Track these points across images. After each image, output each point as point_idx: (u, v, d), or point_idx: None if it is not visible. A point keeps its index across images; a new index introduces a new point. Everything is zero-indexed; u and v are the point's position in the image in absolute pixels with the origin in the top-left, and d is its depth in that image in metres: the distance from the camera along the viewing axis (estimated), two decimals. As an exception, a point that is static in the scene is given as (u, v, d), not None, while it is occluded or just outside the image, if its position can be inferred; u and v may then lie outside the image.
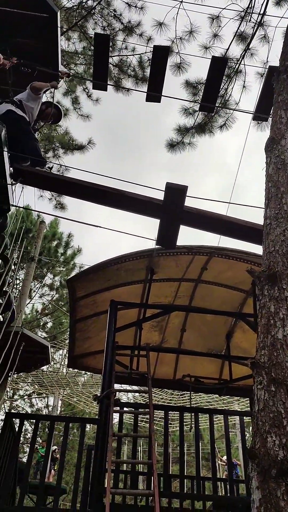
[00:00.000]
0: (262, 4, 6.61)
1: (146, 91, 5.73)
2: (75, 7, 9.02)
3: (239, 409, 15.60)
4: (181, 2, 6.77)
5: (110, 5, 8.80)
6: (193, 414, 5.62)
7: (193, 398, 16.70)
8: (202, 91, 5.99)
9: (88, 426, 18.52)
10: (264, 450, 2.06)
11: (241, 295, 6.57)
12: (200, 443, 5.80)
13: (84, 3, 8.87)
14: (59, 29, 5.24)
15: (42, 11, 5.18)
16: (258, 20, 6.72)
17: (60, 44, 6.09)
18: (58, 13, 5.22)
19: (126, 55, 9.37)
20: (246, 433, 6.96)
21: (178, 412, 5.69)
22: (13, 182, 4.24)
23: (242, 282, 6.24)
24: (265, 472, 2.01)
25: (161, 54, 5.29)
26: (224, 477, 13.17)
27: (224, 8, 6.87)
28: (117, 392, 5.08)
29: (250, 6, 6.72)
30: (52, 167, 5.13)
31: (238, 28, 6.90)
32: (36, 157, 4.88)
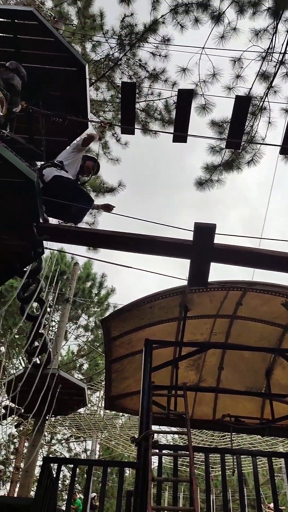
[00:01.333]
0: (283, 44, 6.80)
1: (172, 132, 5.89)
2: (102, 59, 9.55)
3: (283, 451, 14.82)
4: (203, 48, 7.05)
5: (136, 55, 9.26)
6: (235, 456, 5.38)
7: (235, 440, 16.02)
8: (228, 129, 6.12)
9: (127, 470, 18.01)
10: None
11: (279, 330, 6.40)
12: (244, 489, 5.52)
13: (111, 56, 9.37)
14: (87, 81, 5.52)
15: (71, 65, 5.51)
16: (279, 59, 6.89)
17: (89, 94, 6.42)
18: (87, 66, 5.52)
19: (153, 100, 9.75)
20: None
21: (219, 455, 5.47)
22: (40, 237, 4.27)
23: (279, 317, 6.09)
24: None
25: (185, 97, 5.47)
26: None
27: (245, 50, 7.11)
28: (155, 434, 4.96)
29: (270, 47, 6.92)
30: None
31: (260, 68, 7.09)
32: (78, 214, 4.98)
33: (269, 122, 7.45)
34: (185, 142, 5.81)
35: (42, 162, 5.35)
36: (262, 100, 7.26)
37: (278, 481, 16.12)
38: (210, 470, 16.66)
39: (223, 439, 16.44)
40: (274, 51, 6.90)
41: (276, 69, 6.96)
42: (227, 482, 5.25)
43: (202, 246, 4.18)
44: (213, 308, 6.17)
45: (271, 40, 6.91)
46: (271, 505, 14.36)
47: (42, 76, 5.50)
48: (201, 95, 7.53)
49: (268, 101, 7.31)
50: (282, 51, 6.74)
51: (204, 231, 4.13)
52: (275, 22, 6.85)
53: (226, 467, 5.20)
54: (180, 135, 5.70)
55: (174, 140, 5.88)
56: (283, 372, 6.67)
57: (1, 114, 4.52)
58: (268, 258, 4.41)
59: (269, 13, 6.93)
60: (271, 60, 6.97)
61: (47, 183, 4.90)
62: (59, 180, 4.95)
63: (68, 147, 5.63)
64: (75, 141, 5.55)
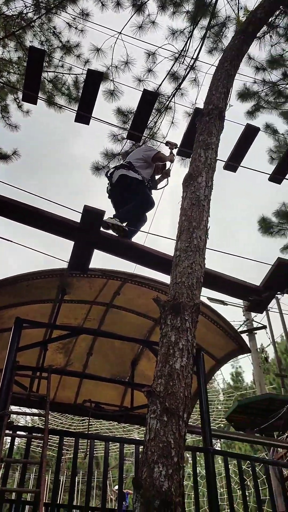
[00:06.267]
0: (196, 50, 7.03)
1: (76, 111, 5.75)
2: (14, 16, 8.91)
3: (138, 438, 15.57)
4: (120, 33, 6.97)
5: (51, 21, 8.82)
6: (89, 441, 5.48)
7: (94, 425, 16.38)
8: (132, 120, 6.15)
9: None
10: (150, 480, 2.05)
11: (150, 323, 6.65)
12: (95, 472, 5.64)
13: (24, 15, 8.79)
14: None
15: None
16: (190, 64, 7.11)
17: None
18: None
19: (62, 73, 9.38)
20: (141, 462, 6.92)
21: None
22: None
23: (152, 310, 6.31)
24: (149, 503, 2.00)
25: (94, 78, 5.36)
26: (114, 507, 12.95)
27: (160, 47, 7.20)
28: (14, 415, 4.83)
29: (184, 50, 7.10)
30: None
31: (171, 68, 7.24)
32: (127, 219, 5.00)
33: (172, 122, 7.66)
34: (88, 124, 5.71)
35: (112, 168, 5.70)
36: (169, 99, 7.43)
37: (128, 465, 16.87)
38: (65, 452, 16.83)
39: (83, 423, 16.70)
40: (186, 55, 7.10)
41: (186, 73, 7.17)
42: (80, 465, 5.33)
43: (88, 231, 4.15)
44: (91, 294, 6.18)
45: (186, 43, 7.10)
46: (116, 487, 15.00)
47: None
48: (111, 80, 7.46)
49: (174, 102, 7.51)
50: (194, 57, 6.97)
51: (93, 215, 4.10)
52: (192, 27, 7.05)
53: (82, 450, 5.28)
54: (84, 116, 5.58)
55: (76, 120, 5.74)
56: (147, 363, 6.95)
57: None
58: (150, 257, 4.56)
59: (188, 17, 7.11)
60: (183, 62, 7.17)
61: (114, 183, 5.39)
62: (124, 178, 5.39)
63: (137, 149, 6.08)
64: (144, 147, 6.16)
